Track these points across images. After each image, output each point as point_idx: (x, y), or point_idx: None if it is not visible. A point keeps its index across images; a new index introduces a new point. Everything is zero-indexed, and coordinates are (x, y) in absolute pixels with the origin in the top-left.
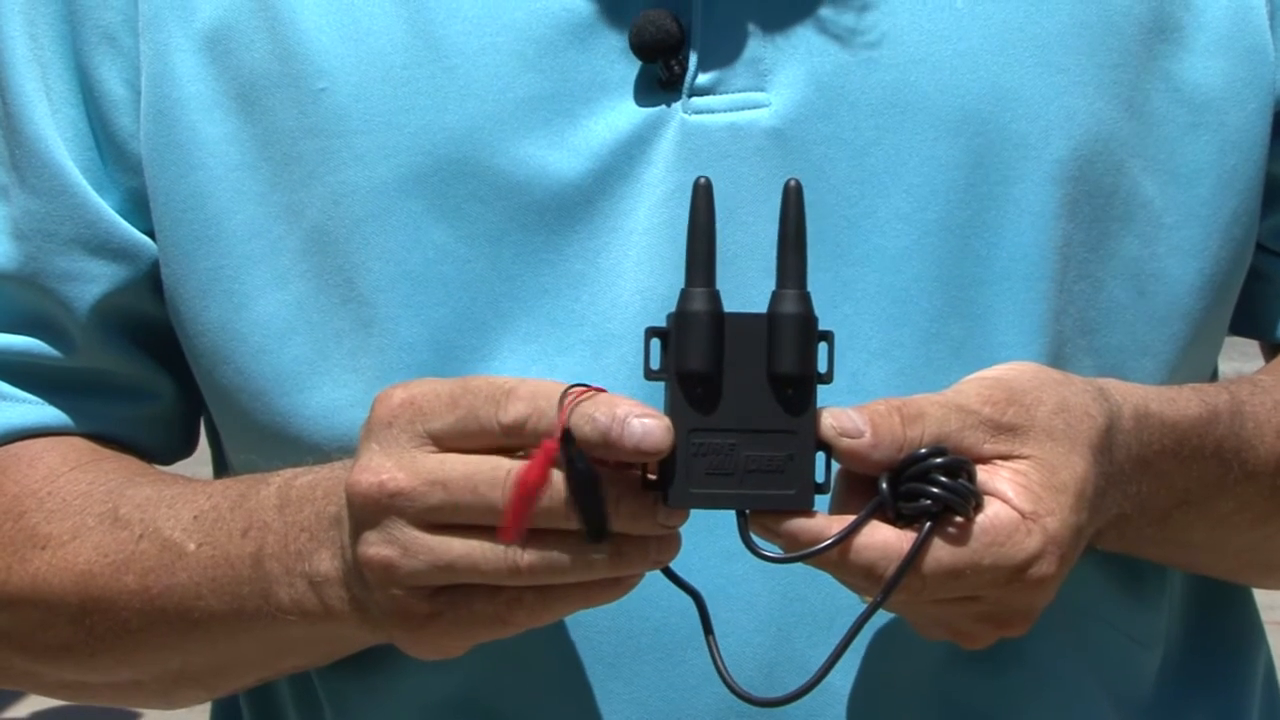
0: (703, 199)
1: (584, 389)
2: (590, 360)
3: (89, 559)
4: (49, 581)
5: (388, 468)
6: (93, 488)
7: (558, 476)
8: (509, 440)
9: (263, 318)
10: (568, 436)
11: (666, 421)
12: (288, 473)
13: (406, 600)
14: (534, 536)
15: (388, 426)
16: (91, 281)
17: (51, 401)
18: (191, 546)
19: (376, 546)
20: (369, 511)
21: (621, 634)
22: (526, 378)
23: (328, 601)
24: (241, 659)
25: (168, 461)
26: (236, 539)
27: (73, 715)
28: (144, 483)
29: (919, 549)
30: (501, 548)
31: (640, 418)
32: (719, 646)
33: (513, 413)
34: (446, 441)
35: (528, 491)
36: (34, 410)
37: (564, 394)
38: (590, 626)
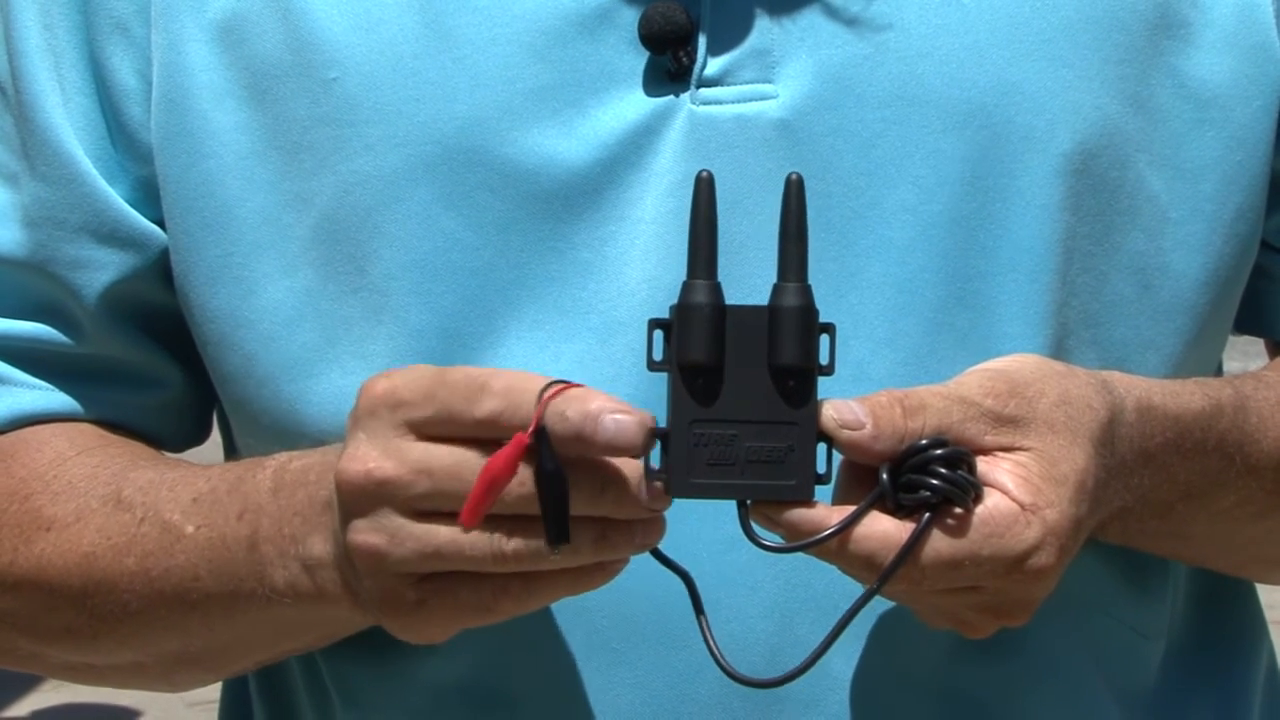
0: (705, 192)
1: (563, 385)
2: (597, 347)
3: (92, 541)
4: (53, 563)
5: (374, 456)
6: (98, 471)
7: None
8: (483, 434)
9: (271, 305)
10: (541, 434)
11: (640, 417)
12: (283, 456)
13: (394, 587)
14: (518, 524)
15: (371, 415)
16: (100, 269)
17: (60, 388)
18: (190, 529)
19: (365, 534)
20: (357, 500)
21: (624, 617)
22: (503, 370)
23: (321, 584)
24: (239, 641)
25: (178, 449)
26: (232, 521)
27: (72, 715)
28: (147, 466)
29: (917, 539)
30: (488, 535)
31: (613, 414)
32: (711, 627)
33: (486, 408)
34: (425, 431)
35: (491, 478)
36: (43, 396)
37: (542, 390)
38: (593, 610)
